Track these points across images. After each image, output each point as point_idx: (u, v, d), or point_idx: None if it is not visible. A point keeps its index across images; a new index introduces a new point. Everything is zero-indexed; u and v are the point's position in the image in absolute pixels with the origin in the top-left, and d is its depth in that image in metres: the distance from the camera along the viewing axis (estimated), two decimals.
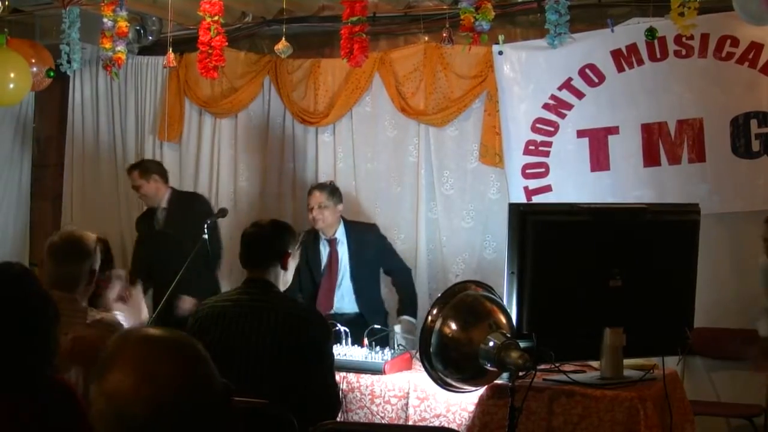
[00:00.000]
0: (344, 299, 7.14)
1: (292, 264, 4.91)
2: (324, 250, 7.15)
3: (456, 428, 5.00)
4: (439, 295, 4.69)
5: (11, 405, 2.98)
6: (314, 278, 7.13)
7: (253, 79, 8.73)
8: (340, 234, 7.14)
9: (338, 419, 4.98)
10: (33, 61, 8.21)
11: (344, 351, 5.78)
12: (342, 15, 6.92)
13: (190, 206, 7.89)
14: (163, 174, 7.94)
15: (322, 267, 7.14)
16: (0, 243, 9.27)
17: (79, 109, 9.64)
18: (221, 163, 8.93)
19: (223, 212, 7.50)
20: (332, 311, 7.03)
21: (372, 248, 7.23)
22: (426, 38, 8.05)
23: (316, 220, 7.01)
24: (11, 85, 8.01)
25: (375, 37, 7.86)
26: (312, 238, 7.11)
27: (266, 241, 4.80)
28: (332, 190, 7.11)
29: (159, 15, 8.43)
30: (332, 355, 4.72)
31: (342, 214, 7.22)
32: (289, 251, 4.80)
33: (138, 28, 8.56)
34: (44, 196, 9.97)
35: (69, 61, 7.59)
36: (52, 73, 8.55)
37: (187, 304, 7.34)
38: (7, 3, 7.42)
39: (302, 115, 8.51)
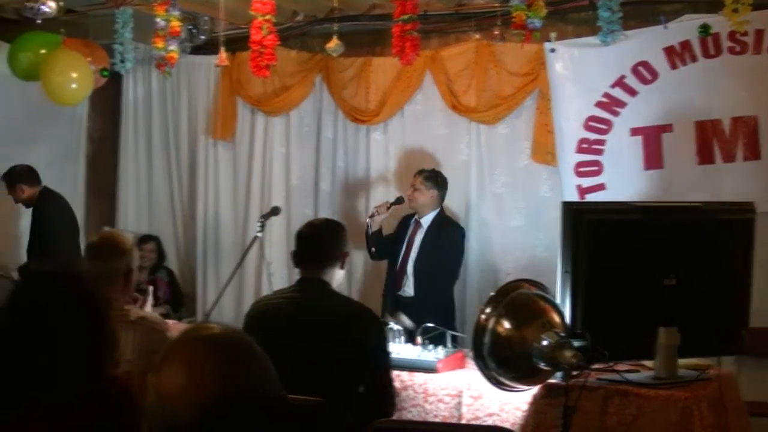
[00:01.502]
0: (408, 282, 7.38)
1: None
2: (409, 230, 7.51)
3: (509, 427, 4.97)
4: (492, 293, 4.68)
5: (69, 405, 3.01)
6: (398, 253, 7.51)
7: (305, 78, 8.76)
8: (426, 220, 7.47)
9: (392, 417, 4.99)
10: (88, 60, 8.29)
11: (397, 349, 5.78)
12: (393, 13, 6.90)
13: None
14: None
15: (404, 245, 7.47)
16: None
17: (133, 108, 9.74)
18: (273, 161, 8.98)
19: (275, 210, 7.55)
20: (399, 292, 7.38)
21: (445, 243, 7.41)
22: (477, 36, 8.03)
23: (410, 200, 7.56)
24: (73, 85, 8.10)
25: (426, 35, 7.84)
26: (410, 216, 7.58)
27: (324, 241, 4.79)
28: (428, 176, 7.54)
29: (211, 14, 8.46)
30: (387, 354, 4.71)
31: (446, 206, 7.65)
32: (347, 251, 4.80)
33: (190, 27, 8.60)
34: (99, 195, 10.06)
35: (122, 61, 7.65)
36: (106, 73, 8.62)
37: None
38: (61, 3, 7.47)
39: (353, 114, 8.53)
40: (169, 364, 2.01)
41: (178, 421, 1.95)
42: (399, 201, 7.70)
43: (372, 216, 7.55)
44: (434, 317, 6.34)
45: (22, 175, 8.25)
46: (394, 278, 7.46)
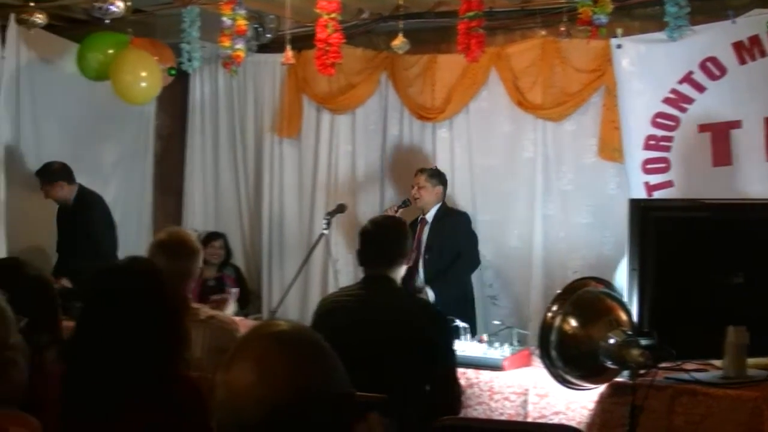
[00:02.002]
0: (419, 279, 7.49)
1: None
2: (416, 228, 7.61)
3: (576, 426, 4.95)
4: (559, 291, 4.65)
5: (144, 405, 3.04)
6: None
7: (370, 76, 8.77)
8: (430, 215, 7.66)
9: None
10: (155, 59, 8.37)
11: (463, 347, 5.77)
12: (459, 10, 6.90)
13: None
14: None
15: (414, 244, 7.42)
16: (123, 238, 9.45)
17: (199, 106, 9.82)
18: (339, 159, 9.00)
19: (341, 208, 7.60)
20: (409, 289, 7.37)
21: (450, 230, 7.61)
22: (543, 32, 7.98)
23: (415, 199, 7.72)
24: (143, 84, 8.19)
25: (491, 32, 7.80)
26: (417, 218, 7.68)
27: (389, 240, 4.80)
28: (432, 174, 7.80)
29: (277, 13, 8.51)
30: (453, 351, 4.70)
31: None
32: (412, 247, 4.81)
33: (256, 26, 8.65)
34: (166, 192, 10.16)
35: (189, 60, 7.73)
36: (173, 72, 8.70)
37: None
38: (129, 3, 7.55)
39: (419, 111, 8.53)
40: (238, 361, 2.02)
41: (247, 419, 1.95)
42: (406, 204, 7.76)
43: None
44: (446, 309, 6.38)
45: (62, 173, 8.27)
46: (406, 276, 7.37)
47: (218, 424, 2.02)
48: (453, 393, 4.67)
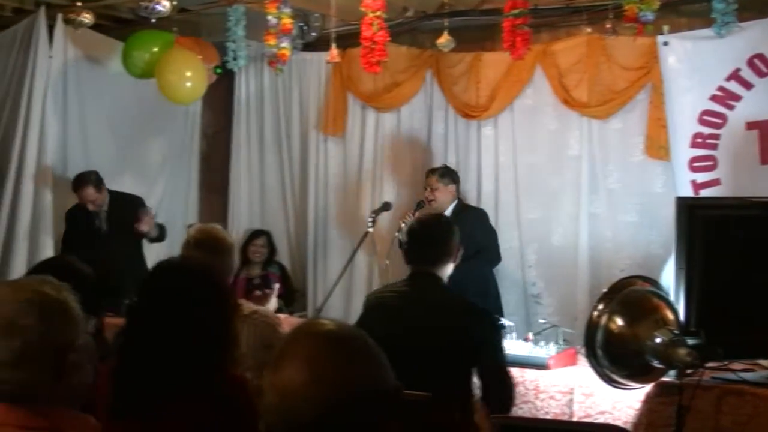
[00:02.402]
0: None
1: None
2: None
3: (621, 425, 4.93)
4: (605, 290, 4.63)
5: (194, 403, 3.06)
6: None
7: (415, 74, 8.77)
8: (447, 214, 7.52)
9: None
10: (200, 58, 8.41)
11: (509, 345, 5.76)
12: (504, 8, 6.89)
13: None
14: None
15: None
16: (170, 236, 9.51)
17: (245, 104, 9.85)
18: (385, 157, 9.00)
19: (387, 206, 7.61)
20: None
21: (468, 227, 7.35)
22: (588, 30, 7.92)
23: (429, 200, 7.70)
24: (188, 84, 8.23)
25: (537, 29, 7.78)
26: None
27: (437, 238, 4.80)
28: (443, 173, 7.82)
29: (322, 11, 8.52)
30: (501, 349, 4.68)
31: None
32: (459, 245, 4.81)
33: (301, 24, 8.68)
34: (212, 189, 10.21)
35: (235, 58, 7.75)
36: (219, 70, 8.75)
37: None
38: (175, 2, 7.59)
39: (464, 109, 8.51)
40: (287, 361, 2.01)
41: (298, 420, 1.95)
42: (420, 206, 7.69)
43: (400, 229, 7.51)
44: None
45: (101, 178, 8.36)
46: None
47: (267, 424, 2.02)
48: (503, 392, 4.65)
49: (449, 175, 7.81)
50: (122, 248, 8.25)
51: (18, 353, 2.44)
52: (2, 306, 2.48)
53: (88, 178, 8.24)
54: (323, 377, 1.96)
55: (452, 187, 7.77)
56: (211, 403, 3.08)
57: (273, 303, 6.34)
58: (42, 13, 8.22)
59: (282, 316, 6.62)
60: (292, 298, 9.11)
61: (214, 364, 3.17)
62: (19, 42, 8.40)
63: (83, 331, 2.62)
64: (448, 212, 7.62)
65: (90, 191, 8.22)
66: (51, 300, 2.53)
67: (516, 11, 6.76)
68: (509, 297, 8.16)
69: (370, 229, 7.29)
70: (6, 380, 2.45)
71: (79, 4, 7.88)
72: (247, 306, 4.56)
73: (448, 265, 4.75)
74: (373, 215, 7.42)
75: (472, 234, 7.46)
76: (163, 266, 3.47)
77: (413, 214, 7.53)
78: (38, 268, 4.06)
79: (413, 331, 4.47)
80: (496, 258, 7.78)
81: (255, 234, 9.19)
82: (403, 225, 7.41)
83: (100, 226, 8.35)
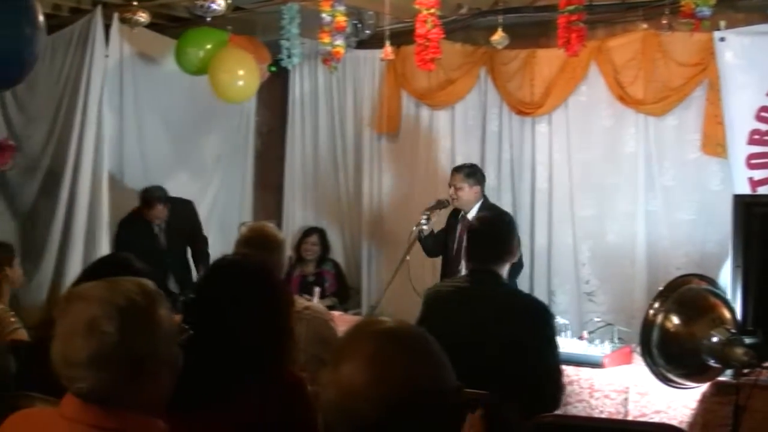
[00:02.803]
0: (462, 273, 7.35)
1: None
2: (458, 226, 7.61)
3: (677, 425, 4.89)
4: (661, 288, 4.59)
5: (251, 402, 3.07)
6: (449, 247, 7.70)
7: (469, 71, 8.75)
8: (472, 214, 7.44)
9: (557, 412, 4.95)
10: (252, 57, 8.46)
11: (563, 343, 5.73)
12: (558, 4, 6.84)
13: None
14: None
15: (456, 241, 7.58)
16: (224, 234, 9.57)
17: (299, 102, 9.89)
18: (438, 155, 8.99)
19: (442, 203, 7.59)
20: None
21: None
22: (644, 26, 7.87)
23: (453, 199, 7.60)
24: (240, 83, 8.27)
25: (592, 25, 7.72)
26: (455, 211, 7.68)
27: (498, 238, 4.81)
28: (469, 173, 7.63)
29: (376, 9, 8.53)
30: (555, 346, 4.67)
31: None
32: (519, 244, 4.82)
33: (355, 22, 8.68)
34: (267, 187, 10.27)
35: (289, 56, 7.78)
36: (273, 68, 8.79)
37: None
38: (229, 1, 7.63)
39: (518, 106, 8.48)
40: (348, 359, 2.00)
41: (360, 419, 1.94)
42: (444, 204, 7.67)
43: (419, 224, 7.51)
44: None
45: (167, 193, 8.49)
46: (449, 273, 7.48)
47: (327, 422, 2.02)
48: (550, 391, 4.63)
49: (475, 175, 7.65)
50: (177, 258, 8.36)
51: (93, 355, 2.44)
52: (90, 305, 2.49)
53: (159, 196, 8.37)
54: (384, 377, 1.95)
55: (477, 188, 7.60)
56: (269, 400, 3.09)
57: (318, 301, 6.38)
58: (98, 12, 8.29)
59: (336, 313, 6.65)
60: (347, 296, 9.13)
61: (271, 360, 3.18)
62: (75, 41, 8.49)
63: (171, 342, 2.62)
64: (473, 212, 7.52)
65: (160, 208, 8.36)
66: (139, 309, 2.52)
67: (571, 7, 6.71)
68: (562, 295, 8.14)
69: (425, 227, 7.30)
70: (80, 378, 2.46)
71: (135, 3, 7.95)
72: (300, 302, 4.58)
73: (507, 264, 4.76)
74: (427, 213, 7.41)
75: None
76: (221, 264, 3.49)
77: (435, 211, 7.56)
78: (96, 266, 4.10)
79: (472, 327, 4.48)
80: (520, 266, 7.52)
81: (307, 232, 9.21)
82: (423, 220, 7.43)
83: (159, 240, 8.44)
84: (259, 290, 3.28)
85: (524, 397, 4.42)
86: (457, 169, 7.74)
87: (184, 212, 8.59)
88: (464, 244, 7.37)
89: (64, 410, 2.53)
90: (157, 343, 2.55)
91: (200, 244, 8.73)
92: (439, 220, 7.70)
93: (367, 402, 1.94)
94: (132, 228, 8.39)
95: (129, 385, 2.49)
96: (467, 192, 7.55)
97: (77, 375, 2.46)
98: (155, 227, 8.45)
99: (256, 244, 4.62)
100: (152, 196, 8.31)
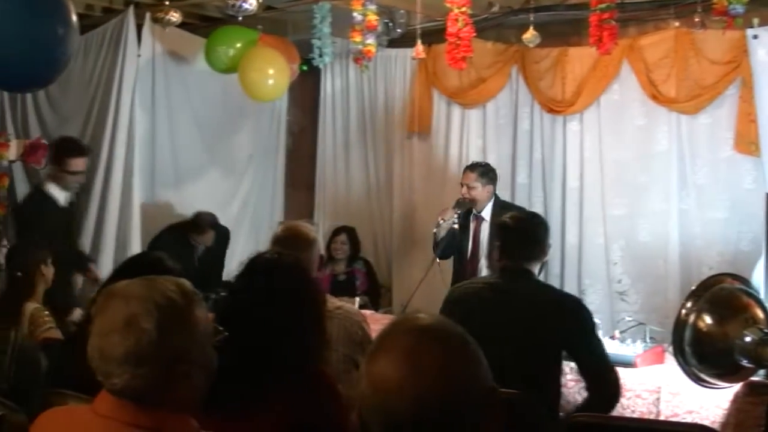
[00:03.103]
0: (482, 273, 7.48)
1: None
2: (471, 225, 7.62)
3: (709, 425, 4.86)
4: (694, 287, 4.57)
5: (284, 402, 3.08)
6: (463, 247, 7.66)
7: (501, 69, 8.73)
8: (486, 212, 7.55)
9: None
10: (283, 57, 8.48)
11: None
12: (590, 2, 6.82)
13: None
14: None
15: (470, 240, 7.60)
16: (255, 232, 9.60)
17: (330, 101, 9.91)
18: (470, 153, 8.98)
19: (471, 202, 7.57)
20: None
21: None
22: (676, 23, 7.82)
23: (465, 198, 7.55)
24: (270, 81, 8.30)
25: (624, 23, 7.69)
26: (467, 211, 7.60)
27: (533, 236, 4.81)
28: (482, 172, 7.62)
29: (407, 8, 8.51)
30: (595, 344, 4.62)
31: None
32: (550, 243, 4.81)
33: (386, 21, 8.67)
34: (298, 186, 10.29)
35: (321, 55, 7.79)
36: (304, 67, 8.80)
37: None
38: (261, 0, 7.65)
39: (549, 104, 8.46)
40: (384, 353, 2.00)
41: (393, 412, 1.94)
42: (465, 205, 7.60)
43: (439, 225, 7.52)
44: None
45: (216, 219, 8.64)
46: (464, 273, 7.47)
47: (362, 417, 2.02)
48: (609, 380, 4.58)
49: (488, 174, 7.65)
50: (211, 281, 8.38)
51: (130, 351, 2.46)
52: (129, 303, 2.50)
53: (212, 222, 8.53)
54: (419, 372, 1.94)
55: (490, 187, 7.61)
56: (301, 400, 3.10)
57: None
58: (131, 12, 8.32)
59: (367, 312, 6.64)
60: (378, 294, 9.13)
61: (304, 360, 3.18)
62: (108, 41, 8.52)
63: (206, 342, 2.63)
64: (487, 210, 7.58)
65: (209, 236, 8.52)
66: (177, 308, 2.53)
67: (603, 5, 6.68)
68: (593, 294, 8.11)
69: (455, 226, 7.29)
70: (116, 374, 2.47)
71: (167, 2, 7.98)
72: (332, 301, 4.58)
73: (539, 263, 4.75)
74: (458, 212, 7.40)
75: None
76: (256, 261, 3.48)
77: (458, 215, 7.54)
78: (128, 265, 4.12)
79: (506, 324, 4.46)
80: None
81: (336, 231, 9.22)
82: (441, 221, 7.43)
83: (194, 260, 8.51)
84: (293, 289, 3.29)
85: (557, 395, 4.43)
86: (471, 168, 7.73)
87: (219, 239, 8.66)
88: (482, 242, 7.42)
89: (98, 407, 2.54)
90: (194, 343, 2.56)
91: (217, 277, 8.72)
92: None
93: (400, 396, 1.94)
94: (177, 238, 8.46)
95: (164, 383, 2.50)
96: (480, 191, 7.55)
97: (113, 371, 2.47)
98: (198, 248, 8.57)
99: (288, 243, 4.63)
100: (205, 222, 8.48)
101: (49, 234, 6.87)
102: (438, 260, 7.42)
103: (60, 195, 7.36)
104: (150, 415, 2.50)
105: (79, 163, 7.39)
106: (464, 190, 7.56)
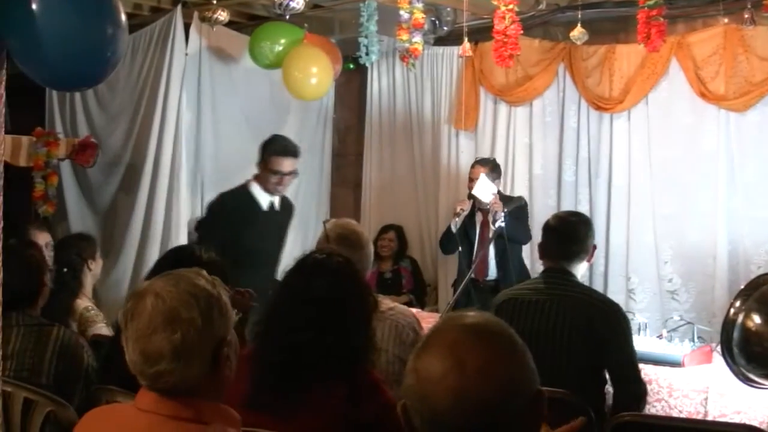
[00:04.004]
0: (490, 266, 7.75)
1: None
2: (478, 220, 7.81)
3: (758, 425, 4.82)
4: (742, 287, 4.54)
5: (330, 401, 3.09)
6: (471, 243, 7.88)
7: (548, 67, 8.70)
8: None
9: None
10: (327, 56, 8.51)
11: (641, 342, 5.69)
12: None
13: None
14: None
15: (477, 235, 7.81)
16: (302, 230, 9.62)
17: (377, 99, 9.91)
18: (516, 151, 8.96)
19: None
20: (485, 278, 7.75)
21: (519, 215, 7.70)
22: (725, 20, 7.75)
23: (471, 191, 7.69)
24: (313, 81, 8.32)
25: (672, 20, 7.64)
26: (468, 207, 7.81)
27: (575, 236, 4.80)
28: (493, 167, 7.94)
29: (453, 5, 8.51)
30: (627, 349, 4.64)
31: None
32: (595, 244, 4.80)
33: (433, 19, 8.67)
34: (344, 185, 10.31)
35: (367, 54, 7.80)
36: (351, 66, 8.82)
37: None
38: None
39: (597, 102, 8.42)
40: (430, 349, 2.03)
41: (434, 404, 1.96)
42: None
43: (458, 214, 7.73)
44: None
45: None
46: (470, 265, 7.44)
47: (405, 407, 2.05)
48: (632, 391, 4.62)
49: (497, 170, 7.97)
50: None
51: (179, 346, 2.50)
52: (167, 299, 2.54)
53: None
54: (462, 366, 1.96)
55: (498, 182, 7.90)
56: (349, 400, 3.11)
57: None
58: (178, 11, 8.37)
59: (413, 310, 6.65)
60: (424, 293, 9.13)
61: (350, 361, 3.19)
62: (155, 40, 8.58)
63: (231, 326, 2.67)
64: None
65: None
66: (209, 294, 2.59)
67: (651, 2, 6.65)
68: (642, 293, 8.07)
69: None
70: (167, 372, 2.52)
71: (214, 1, 8.02)
72: (385, 303, 4.57)
73: (583, 263, 4.75)
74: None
75: (525, 221, 7.84)
76: (306, 261, 3.47)
77: (468, 202, 7.62)
78: (167, 257, 4.16)
79: (544, 327, 4.48)
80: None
81: (384, 229, 9.24)
82: (460, 211, 7.49)
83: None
84: (341, 290, 3.29)
85: (600, 397, 4.42)
86: (482, 163, 7.97)
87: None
88: (490, 236, 7.45)
89: (140, 403, 2.59)
90: (229, 327, 2.63)
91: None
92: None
93: (441, 387, 1.96)
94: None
95: (210, 373, 2.56)
96: None
97: (163, 370, 2.51)
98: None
99: (343, 241, 4.61)
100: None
101: (237, 234, 6.64)
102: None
103: (262, 197, 6.97)
104: (190, 406, 2.55)
105: (281, 163, 6.91)
106: (473, 183, 7.68)
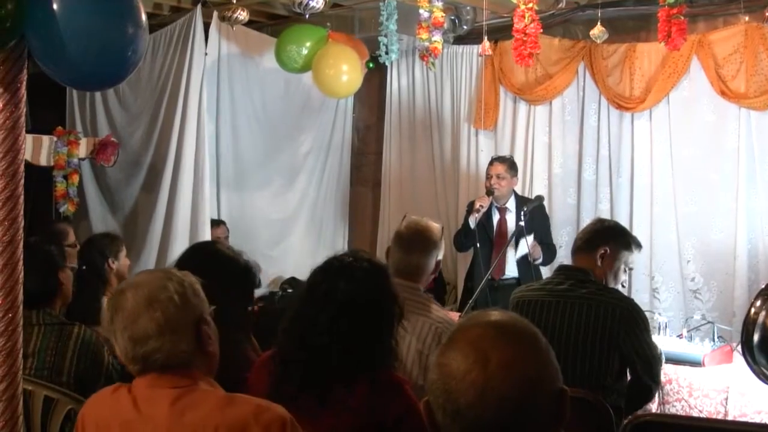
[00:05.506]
0: (511, 266, 7.74)
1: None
2: (495, 218, 7.84)
3: None
4: (762, 286, 4.52)
5: (352, 399, 3.10)
6: (489, 241, 7.86)
7: (568, 66, 8.68)
8: (511, 204, 7.84)
9: (656, 411, 4.91)
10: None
11: (662, 342, 5.66)
12: None
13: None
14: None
15: (493, 233, 7.81)
16: (320, 229, 9.64)
17: (397, 98, 9.91)
18: (536, 150, 8.95)
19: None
20: (502, 276, 7.72)
21: (540, 216, 7.79)
22: (746, 18, 7.73)
23: (494, 189, 7.79)
24: (344, 78, 8.33)
25: (693, 19, 7.62)
26: (488, 205, 7.82)
27: (593, 234, 4.83)
28: (511, 164, 8.00)
29: (473, 4, 8.51)
30: (648, 345, 4.62)
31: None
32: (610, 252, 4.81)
33: (453, 18, 8.67)
34: (363, 183, 10.32)
35: (387, 52, 7.80)
36: (371, 65, 8.82)
37: None
38: None
39: (617, 101, 8.39)
40: (454, 345, 2.05)
41: (455, 397, 1.98)
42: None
43: (478, 210, 7.69)
44: None
45: None
46: (486, 262, 7.65)
47: (429, 402, 2.06)
48: (643, 389, 4.61)
49: (514, 167, 8.02)
50: None
51: (162, 323, 2.74)
52: (144, 285, 2.80)
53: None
54: (484, 362, 1.98)
55: (515, 180, 8.00)
56: (372, 401, 3.12)
57: None
58: (198, 11, 8.39)
59: None
60: (444, 291, 9.11)
61: (372, 365, 3.19)
62: (176, 40, 8.60)
63: (208, 310, 2.89)
64: (512, 202, 7.95)
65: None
66: (181, 279, 2.85)
67: (671, 1, 6.62)
68: (665, 292, 8.05)
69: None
70: (155, 349, 2.74)
71: (234, 1, 8.03)
72: (437, 310, 4.52)
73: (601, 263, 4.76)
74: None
75: (535, 222, 7.68)
76: (332, 264, 3.44)
77: (487, 198, 7.74)
78: (188, 253, 4.18)
79: (560, 325, 4.49)
80: (554, 253, 7.98)
81: None
82: (480, 207, 7.50)
83: None
84: (361, 295, 3.28)
85: (615, 395, 4.42)
86: (500, 160, 8.01)
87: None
88: (508, 233, 7.62)
89: (139, 383, 2.81)
90: (205, 307, 2.88)
91: None
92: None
93: (462, 381, 1.98)
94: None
95: (194, 348, 2.79)
96: (508, 182, 7.88)
97: (153, 348, 2.74)
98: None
99: (409, 242, 4.50)
100: None
101: None
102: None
103: None
104: (186, 376, 2.77)
105: None
106: (493, 180, 7.82)
